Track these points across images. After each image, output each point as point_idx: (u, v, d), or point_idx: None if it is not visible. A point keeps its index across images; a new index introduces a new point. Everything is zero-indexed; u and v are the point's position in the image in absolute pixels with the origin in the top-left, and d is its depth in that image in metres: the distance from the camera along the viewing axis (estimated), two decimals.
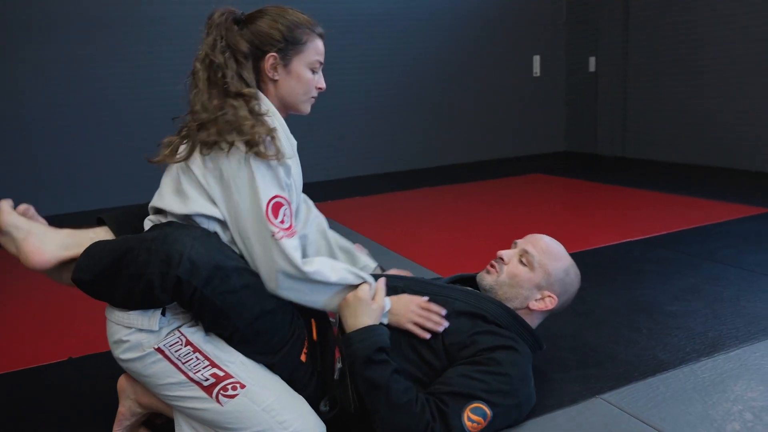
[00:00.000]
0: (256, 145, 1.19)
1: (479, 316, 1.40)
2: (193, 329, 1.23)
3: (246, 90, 1.25)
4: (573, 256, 1.57)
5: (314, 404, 1.31)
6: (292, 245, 1.20)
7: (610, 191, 4.06)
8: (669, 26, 4.96)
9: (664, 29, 5.01)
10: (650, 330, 1.82)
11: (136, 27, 4.48)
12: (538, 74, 6.04)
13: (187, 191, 1.23)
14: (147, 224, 1.30)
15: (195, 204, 1.23)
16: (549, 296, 1.48)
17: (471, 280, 1.61)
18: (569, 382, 1.55)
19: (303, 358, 1.30)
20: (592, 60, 5.74)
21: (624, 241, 2.76)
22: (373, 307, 1.30)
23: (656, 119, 5.17)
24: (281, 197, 1.22)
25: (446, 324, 1.35)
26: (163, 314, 1.21)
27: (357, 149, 5.33)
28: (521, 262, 1.51)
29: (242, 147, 1.19)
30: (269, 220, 1.19)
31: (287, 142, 1.29)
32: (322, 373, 1.33)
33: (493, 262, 1.56)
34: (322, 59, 1.37)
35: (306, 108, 1.39)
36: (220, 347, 1.23)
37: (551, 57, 6.05)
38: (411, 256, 2.77)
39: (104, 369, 1.80)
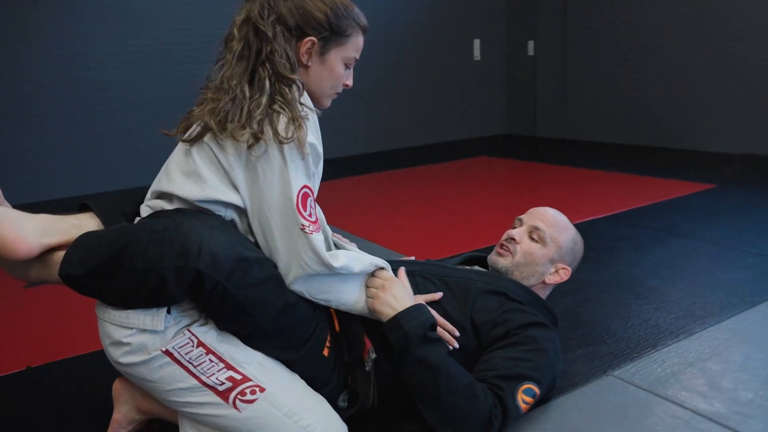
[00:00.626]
0: (291, 133, 1.07)
1: (502, 293, 1.37)
2: (204, 328, 1.10)
3: (292, 75, 1.12)
4: None
5: (333, 400, 1.22)
6: (320, 240, 1.10)
7: (559, 171, 4.15)
8: (607, 10, 5.10)
9: (602, 13, 5.15)
10: (639, 305, 1.85)
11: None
12: (479, 58, 6.08)
13: (203, 174, 1.09)
14: (145, 211, 1.15)
15: (213, 189, 1.09)
16: (563, 268, 1.50)
17: (480, 260, 1.57)
18: (575, 362, 1.53)
19: (326, 352, 1.20)
20: (531, 44, 5.84)
21: (588, 219, 2.81)
22: (407, 286, 1.24)
23: (596, 101, 5.33)
24: (309, 188, 1.11)
25: (456, 345, 1.29)
26: (168, 312, 1.07)
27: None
28: (532, 238, 1.49)
29: (277, 134, 1.07)
30: (300, 212, 1.07)
31: (317, 131, 1.18)
32: (345, 366, 1.24)
33: (503, 242, 1.53)
34: (358, 56, 1.24)
35: (327, 102, 1.26)
36: (236, 347, 1.12)
37: (491, 41, 6.10)
38: (376, 239, 2.70)
39: (73, 373, 1.62)
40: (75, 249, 1.05)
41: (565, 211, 1.60)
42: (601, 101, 5.27)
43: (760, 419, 1.24)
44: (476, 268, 1.55)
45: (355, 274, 1.18)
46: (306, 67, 1.18)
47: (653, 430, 1.23)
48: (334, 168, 4.77)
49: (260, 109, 1.07)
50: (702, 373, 1.43)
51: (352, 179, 4.26)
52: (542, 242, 1.48)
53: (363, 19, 1.22)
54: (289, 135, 1.06)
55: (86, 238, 1.06)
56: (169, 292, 1.01)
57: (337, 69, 1.21)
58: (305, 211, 1.08)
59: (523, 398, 1.21)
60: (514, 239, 1.50)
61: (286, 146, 1.06)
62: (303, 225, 1.07)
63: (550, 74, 5.71)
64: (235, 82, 1.09)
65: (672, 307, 1.81)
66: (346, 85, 1.26)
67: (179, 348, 1.07)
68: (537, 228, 1.49)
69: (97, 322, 1.11)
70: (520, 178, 4.15)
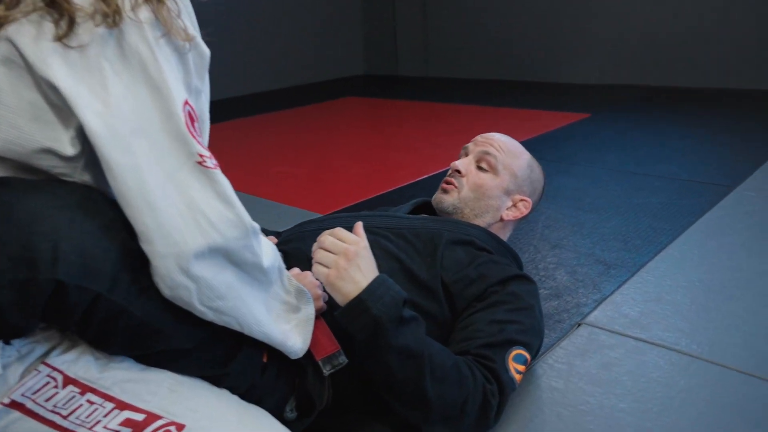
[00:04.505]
0: (157, 10, 0.64)
1: (469, 242, 1.10)
2: (71, 355, 0.69)
3: None
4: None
5: (279, 410, 0.88)
6: (228, 184, 0.69)
7: (432, 109, 3.96)
8: None
9: None
10: (577, 242, 1.69)
11: None
12: None
13: (4, 99, 0.62)
14: None
15: (25, 122, 0.62)
16: (522, 200, 1.26)
17: (430, 207, 1.28)
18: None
19: (265, 358, 0.84)
20: None
21: None
22: (368, 252, 0.90)
23: (458, 37, 5.20)
24: (191, 107, 0.67)
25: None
26: (7, 342, 0.64)
27: None
28: (480, 168, 1.24)
29: (136, 13, 0.62)
30: (191, 133, 0.64)
31: (194, 21, 0.76)
32: (293, 367, 0.89)
33: (447, 178, 1.25)
34: None
35: None
36: (129, 371, 0.72)
37: None
38: (257, 192, 2.30)
39: None
40: None
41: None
42: (464, 36, 5.16)
43: (756, 351, 1.12)
44: (436, 216, 1.26)
45: (273, 278, 0.79)
46: None
47: (656, 382, 1.05)
48: None
49: None
50: (673, 306, 1.30)
51: (217, 126, 3.70)
52: (493, 171, 1.23)
53: None
54: (143, 10, 0.62)
55: None
56: (8, 322, 0.58)
57: None
58: (197, 133, 0.66)
59: (515, 367, 0.96)
60: (458, 171, 1.24)
61: (147, 27, 0.62)
62: (201, 154, 0.64)
63: (409, 9, 5.46)
64: None
65: (610, 240, 1.68)
66: None
67: (34, 393, 0.65)
68: (486, 153, 1.24)
69: None
70: (390, 117, 3.89)
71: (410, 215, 1.18)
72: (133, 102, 0.61)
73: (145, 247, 0.63)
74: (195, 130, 0.65)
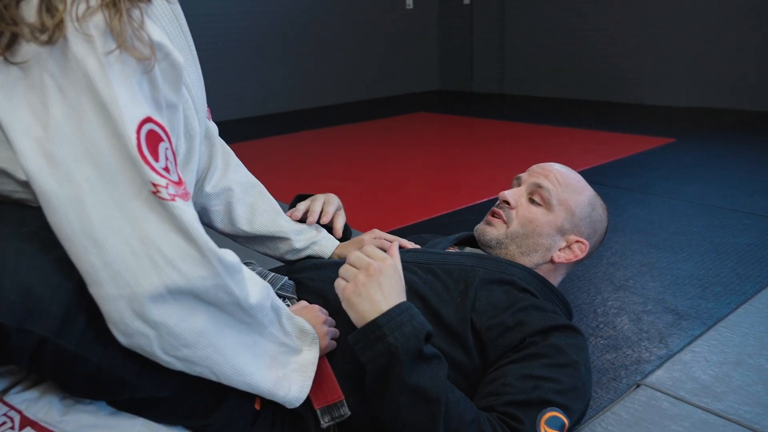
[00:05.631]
0: (111, 20, 0.54)
1: (508, 282, 0.97)
2: (32, 394, 0.63)
3: None
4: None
5: None
6: (192, 214, 0.59)
7: (503, 128, 3.80)
8: None
9: None
10: (645, 284, 1.51)
11: None
12: (411, 6, 5.60)
13: None
14: None
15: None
16: (578, 242, 1.09)
17: (473, 241, 1.16)
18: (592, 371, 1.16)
19: (258, 404, 0.75)
20: None
21: None
22: (400, 274, 0.84)
23: (535, 53, 5.00)
24: (158, 124, 0.59)
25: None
26: None
27: (226, 91, 4.53)
28: (533, 201, 1.10)
29: (85, 24, 0.54)
30: (144, 158, 0.56)
31: (175, 23, 0.68)
32: (290, 417, 0.80)
33: (494, 209, 1.12)
34: None
35: None
36: (97, 418, 0.65)
37: None
38: None
39: None
40: None
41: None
42: (542, 53, 4.95)
43: None
44: (468, 249, 1.14)
45: (265, 319, 0.69)
46: None
47: None
48: (254, 127, 4.21)
49: None
50: (757, 373, 1.10)
51: (275, 139, 3.72)
52: (547, 205, 1.08)
53: None
54: (94, 19, 0.54)
55: None
56: None
57: None
58: (155, 158, 0.57)
59: (546, 430, 0.82)
60: (507, 203, 1.10)
61: (97, 39, 0.53)
62: (155, 183, 0.56)
63: (486, 24, 5.32)
64: None
65: (685, 284, 1.48)
66: None
67: None
68: (539, 187, 1.09)
69: None
70: (465, 135, 3.76)
71: (446, 251, 1.06)
72: (76, 123, 0.54)
73: (93, 290, 0.55)
74: (155, 153, 0.57)
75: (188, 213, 0.58)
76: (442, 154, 3.28)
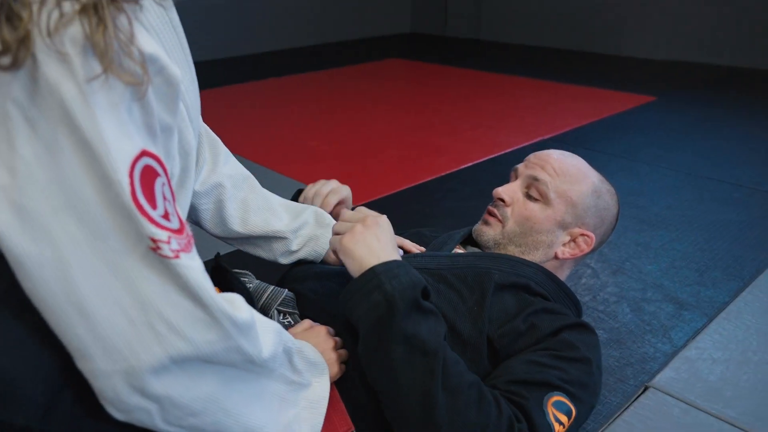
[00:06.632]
0: (93, 34, 0.41)
1: (522, 287, 0.90)
2: None
3: None
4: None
5: None
6: (197, 268, 0.48)
7: (479, 79, 3.67)
8: None
9: None
10: (641, 266, 1.46)
11: None
12: None
13: None
14: None
15: None
16: (582, 234, 1.01)
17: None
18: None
19: None
20: None
21: (532, 141, 2.37)
22: (391, 231, 0.83)
23: None
24: (153, 156, 0.47)
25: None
26: None
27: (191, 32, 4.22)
28: (529, 197, 1.01)
29: (57, 38, 0.40)
30: (141, 209, 0.45)
31: (172, 33, 0.54)
32: None
33: (489, 207, 1.03)
34: None
35: None
36: None
37: None
38: (281, 169, 2.11)
39: None
40: None
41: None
42: None
43: None
44: (475, 250, 1.05)
45: (276, 365, 0.61)
46: None
47: None
48: (209, 72, 3.96)
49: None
50: (763, 373, 1.07)
51: (236, 87, 3.50)
52: (544, 199, 0.99)
53: None
54: (70, 32, 0.41)
55: None
56: None
57: None
58: (152, 205, 0.46)
59: (554, 413, 0.76)
60: (502, 200, 1.02)
61: (75, 58, 0.41)
62: (155, 239, 0.45)
63: None
64: None
65: (682, 267, 1.44)
66: None
67: None
68: (536, 180, 1.00)
69: None
70: (442, 86, 3.62)
71: (455, 254, 0.97)
72: (51, 166, 0.42)
73: (81, 365, 0.45)
74: (151, 198, 0.46)
75: (194, 269, 0.47)
76: (417, 110, 3.14)
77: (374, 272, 0.73)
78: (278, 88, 3.51)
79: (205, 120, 0.92)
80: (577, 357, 0.83)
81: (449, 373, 0.70)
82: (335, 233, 0.82)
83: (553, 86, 3.40)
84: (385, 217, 0.83)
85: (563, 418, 0.77)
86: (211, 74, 3.90)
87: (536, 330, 0.85)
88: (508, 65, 4.01)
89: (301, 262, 0.98)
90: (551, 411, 0.76)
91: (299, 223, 0.95)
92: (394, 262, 0.75)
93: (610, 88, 3.28)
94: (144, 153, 0.45)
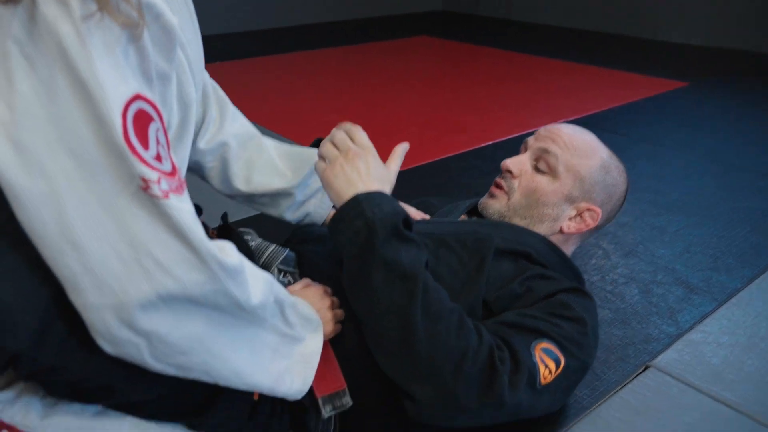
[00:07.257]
0: None
1: (522, 254, 0.91)
2: (9, 395, 0.57)
3: None
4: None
5: None
6: (187, 210, 0.51)
7: (508, 59, 3.63)
8: None
9: None
10: (654, 250, 1.45)
11: None
12: None
13: None
14: None
15: None
16: (588, 209, 1.01)
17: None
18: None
19: (256, 395, 0.70)
20: None
21: (560, 121, 2.34)
22: (386, 169, 0.85)
23: None
24: (148, 101, 0.50)
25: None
26: None
27: (216, 2, 4.25)
28: (538, 169, 1.01)
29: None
30: (133, 149, 0.47)
31: None
32: (290, 406, 0.75)
33: (497, 179, 1.04)
34: None
35: None
36: (80, 420, 0.59)
37: None
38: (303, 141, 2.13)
39: None
40: None
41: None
42: None
43: None
44: (475, 219, 1.06)
45: (267, 314, 0.62)
46: None
47: None
48: (232, 44, 3.98)
49: None
50: None
51: (261, 60, 3.52)
52: (553, 173, 0.99)
53: None
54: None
55: None
56: None
57: None
58: (144, 146, 0.48)
59: (542, 357, 0.76)
60: (510, 172, 1.02)
61: (74, 1, 0.43)
62: (145, 178, 0.47)
63: None
64: None
65: (697, 253, 1.43)
66: None
67: None
68: (546, 152, 1.00)
69: None
70: (464, 66, 3.59)
71: (459, 221, 0.99)
72: (48, 103, 0.44)
73: (73, 297, 0.48)
74: (144, 140, 0.48)
75: (184, 211, 0.49)
76: (444, 88, 3.12)
77: (357, 200, 0.75)
78: (308, 61, 3.52)
79: (228, 89, 0.94)
80: (571, 316, 0.83)
81: (429, 299, 0.72)
82: (320, 156, 0.82)
83: (584, 69, 3.34)
84: (371, 148, 0.82)
85: (551, 365, 0.77)
86: (241, 45, 3.93)
87: (532, 293, 0.86)
88: (538, 47, 3.95)
89: (304, 226, 1.01)
90: (538, 354, 0.76)
91: (304, 176, 0.97)
92: (377, 192, 0.77)
93: (642, 72, 3.21)
94: (138, 96, 0.48)
